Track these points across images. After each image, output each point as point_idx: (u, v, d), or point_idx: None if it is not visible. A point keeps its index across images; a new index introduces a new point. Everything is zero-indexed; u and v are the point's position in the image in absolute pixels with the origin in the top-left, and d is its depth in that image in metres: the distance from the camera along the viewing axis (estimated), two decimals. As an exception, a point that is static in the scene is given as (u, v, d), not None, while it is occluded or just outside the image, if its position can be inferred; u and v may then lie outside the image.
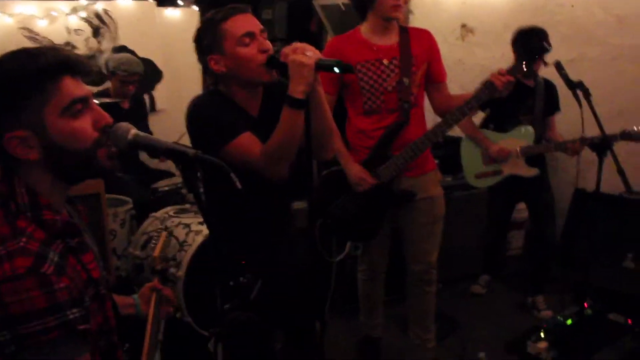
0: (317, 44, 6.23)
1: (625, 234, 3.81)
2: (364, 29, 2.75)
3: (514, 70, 2.52)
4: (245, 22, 1.82)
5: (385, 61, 2.69)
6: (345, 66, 1.70)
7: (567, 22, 4.23)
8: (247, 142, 1.82)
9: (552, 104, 3.58)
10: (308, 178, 1.80)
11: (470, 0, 4.91)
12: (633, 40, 3.89)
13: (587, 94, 2.79)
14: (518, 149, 3.47)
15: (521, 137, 3.50)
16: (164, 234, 1.97)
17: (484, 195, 3.90)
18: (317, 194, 2.80)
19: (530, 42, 3.29)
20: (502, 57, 4.22)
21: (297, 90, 1.71)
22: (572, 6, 4.20)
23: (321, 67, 1.71)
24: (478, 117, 3.76)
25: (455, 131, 3.91)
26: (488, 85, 2.50)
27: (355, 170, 2.71)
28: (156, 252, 1.90)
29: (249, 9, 1.87)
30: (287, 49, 1.75)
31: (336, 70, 1.70)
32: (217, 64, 1.84)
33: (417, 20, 5.26)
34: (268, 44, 1.84)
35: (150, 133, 4.40)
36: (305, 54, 1.70)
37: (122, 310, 1.57)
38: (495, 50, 4.62)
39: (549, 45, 3.12)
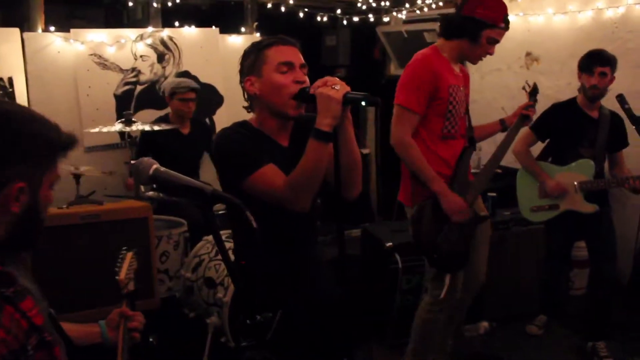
0: (381, 70, 6.22)
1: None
2: (446, 51, 2.80)
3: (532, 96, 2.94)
4: (287, 53, 1.87)
5: (461, 88, 2.81)
6: (373, 100, 1.69)
7: (638, 50, 4.04)
8: (271, 173, 1.82)
9: (618, 139, 3.41)
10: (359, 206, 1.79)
11: (535, 28, 4.77)
12: None
13: (651, 130, 2.63)
14: (576, 184, 3.31)
15: (580, 171, 3.35)
16: (130, 254, 1.87)
17: (543, 231, 3.74)
18: (417, 227, 2.79)
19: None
20: (568, 86, 4.08)
21: (323, 122, 1.72)
22: (645, 34, 4.01)
23: (349, 100, 1.72)
24: (537, 148, 3.62)
25: (513, 162, 3.79)
26: (522, 117, 2.90)
27: (458, 201, 2.73)
28: (121, 275, 1.75)
29: (297, 43, 1.92)
30: (317, 82, 1.78)
31: (363, 103, 1.70)
32: (252, 86, 1.89)
33: (480, 48, 5.16)
34: (304, 78, 1.87)
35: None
36: (334, 87, 1.72)
37: (87, 339, 1.56)
38: (560, 79, 4.46)
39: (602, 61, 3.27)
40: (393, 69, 6.08)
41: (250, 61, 1.89)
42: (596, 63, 3.28)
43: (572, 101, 3.46)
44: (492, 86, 5.09)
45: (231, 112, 4.97)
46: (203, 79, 4.70)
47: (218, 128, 4.95)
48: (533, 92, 2.97)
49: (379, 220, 5.90)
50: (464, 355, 3.42)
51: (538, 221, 3.55)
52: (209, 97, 4.79)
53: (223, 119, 4.93)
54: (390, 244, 3.51)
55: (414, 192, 2.79)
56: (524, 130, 3.54)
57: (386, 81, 6.01)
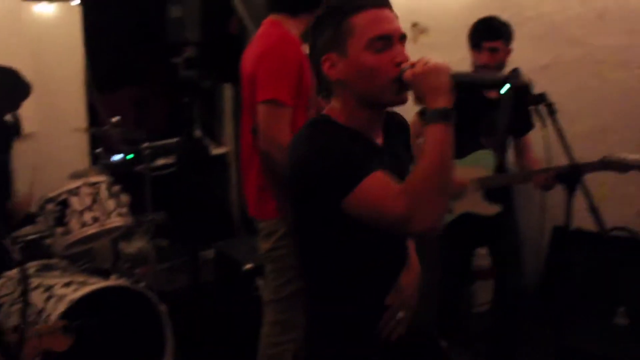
0: (239, 47, 6.02)
1: (614, 282, 3.67)
2: (292, 28, 2.77)
3: None
4: (382, 21, 1.67)
5: None
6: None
7: (538, 19, 4.14)
8: (382, 182, 1.60)
9: (523, 121, 3.36)
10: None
11: (422, -6, 4.79)
12: (617, 40, 3.79)
13: (551, 110, 2.61)
14: (474, 181, 3.27)
15: (478, 164, 3.30)
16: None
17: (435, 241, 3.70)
18: None
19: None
20: (462, 60, 4.08)
21: (438, 101, 1.60)
22: (543, -1, 4.11)
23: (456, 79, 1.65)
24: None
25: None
26: None
27: None
28: None
29: (389, 3, 1.72)
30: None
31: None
32: (333, 67, 1.70)
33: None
34: (405, 56, 1.70)
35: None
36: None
37: None
38: (453, 53, 4.43)
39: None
40: (255, 45, 5.93)
41: (329, 32, 1.69)
42: (483, 37, 3.26)
43: None
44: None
45: (44, 103, 4.56)
46: (1, 60, 4.27)
47: (27, 126, 4.52)
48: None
49: (241, 236, 5.72)
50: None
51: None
52: (10, 87, 4.36)
53: (32, 113, 4.51)
54: (251, 265, 3.36)
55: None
56: (411, 119, 3.49)
57: (247, 61, 5.86)
